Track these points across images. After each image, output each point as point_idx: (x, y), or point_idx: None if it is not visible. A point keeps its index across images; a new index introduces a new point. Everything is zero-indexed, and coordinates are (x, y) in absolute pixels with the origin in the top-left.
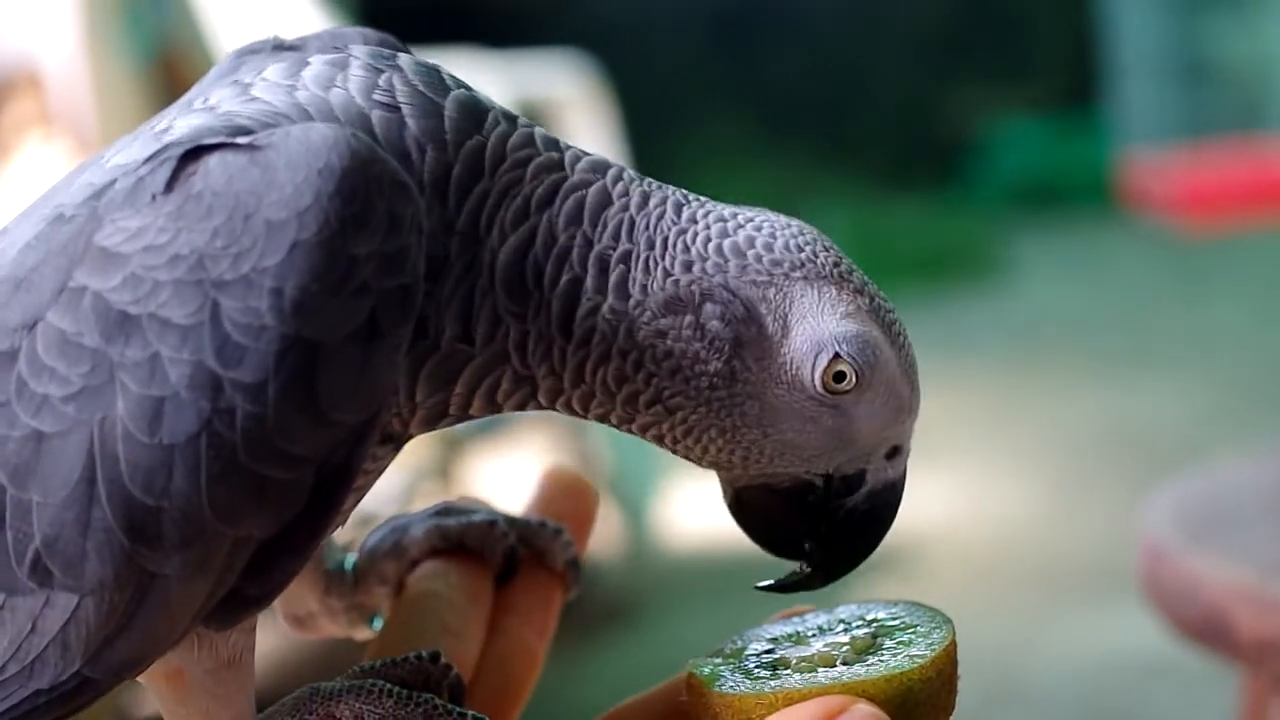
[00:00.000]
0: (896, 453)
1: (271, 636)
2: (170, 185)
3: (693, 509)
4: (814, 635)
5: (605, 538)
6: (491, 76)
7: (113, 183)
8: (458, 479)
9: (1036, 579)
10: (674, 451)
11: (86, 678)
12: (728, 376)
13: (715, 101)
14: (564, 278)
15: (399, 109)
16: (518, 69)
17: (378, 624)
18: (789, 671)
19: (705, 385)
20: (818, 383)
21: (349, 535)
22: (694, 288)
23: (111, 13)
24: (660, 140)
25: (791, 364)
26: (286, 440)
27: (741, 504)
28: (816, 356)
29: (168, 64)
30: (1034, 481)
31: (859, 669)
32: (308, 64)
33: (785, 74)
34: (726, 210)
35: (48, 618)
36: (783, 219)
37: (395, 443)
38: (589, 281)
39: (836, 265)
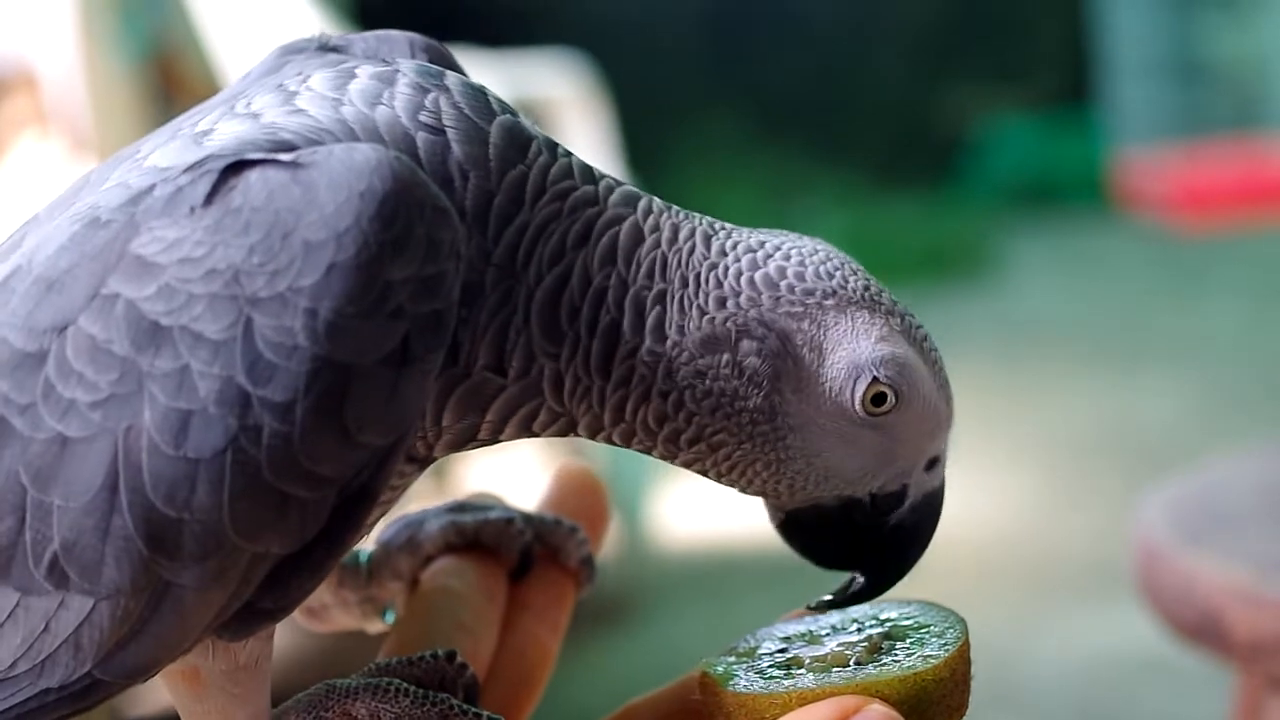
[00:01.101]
0: (935, 463)
1: (288, 634)
2: (210, 198)
3: (687, 509)
4: (827, 634)
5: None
6: (487, 76)
7: (151, 188)
8: (451, 476)
9: (1031, 577)
10: (719, 483)
11: (96, 679)
12: (768, 411)
13: (710, 100)
14: (601, 320)
15: (444, 132)
16: (513, 68)
17: (390, 618)
18: (802, 671)
19: (747, 421)
20: (858, 407)
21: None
22: (729, 324)
23: (106, 12)
24: (656, 139)
25: (831, 391)
26: (312, 460)
27: (791, 527)
28: (855, 382)
29: (162, 63)
30: (1028, 480)
31: (872, 669)
32: (355, 76)
33: (781, 73)
34: (754, 239)
35: (62, 619)
36: (809, 243)
37: (421, 463)
38: (626, 324)
39: (867, 289)
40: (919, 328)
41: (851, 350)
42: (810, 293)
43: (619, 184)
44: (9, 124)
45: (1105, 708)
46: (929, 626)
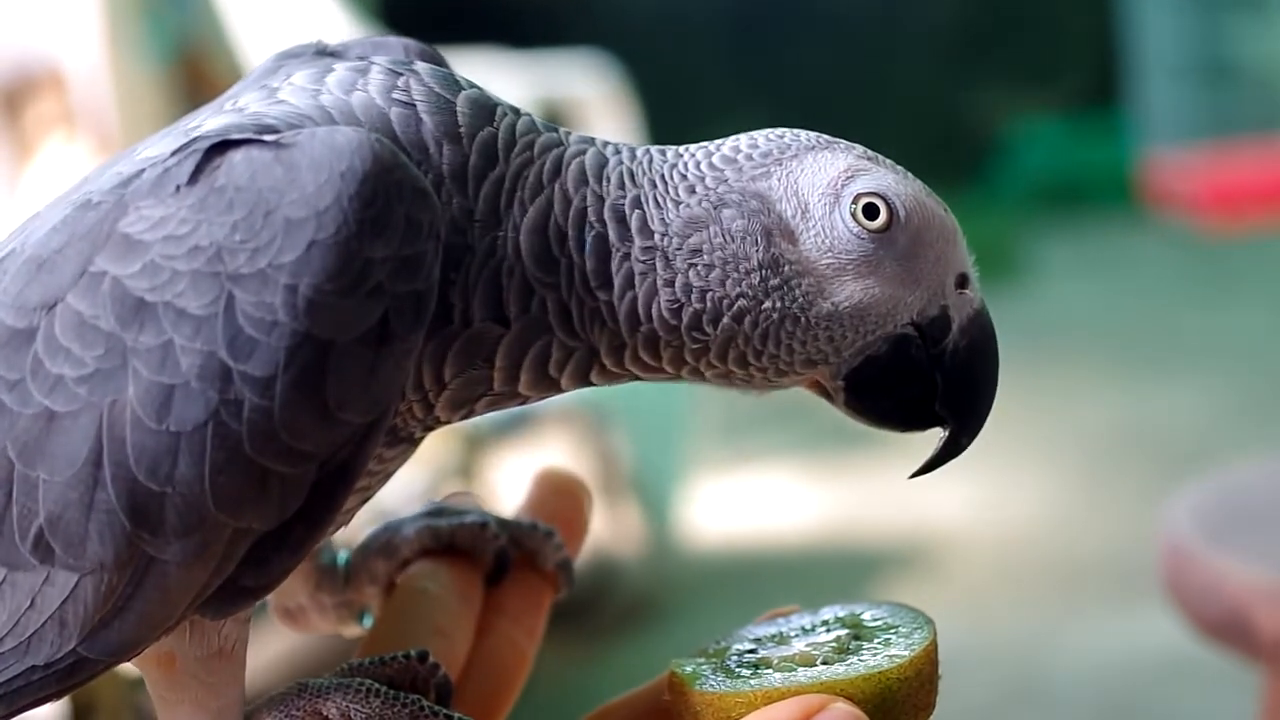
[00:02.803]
0: (965, 281)
1: (275, 640)
2: (195, 177)
3: (714, 507)
4: (796, 635)
5: (627, 536)
6: (514, 76)
7: (140, 172)
8: (480, 477)
9: (1058, 578)
10: (761, 378)
11: (82, 657)
12: (772, 264)
13: (737, 101)
14: (588, 237)
15: (415, 106)
16: (540, 69)
17: (368, 621)
18: (770, 671)
19: (757, 280)
20: (852, 227)
21: (361, 532)
22: (705, 203)
23: (133, 13)
24: (682, 139)
25: (824, 227)
26: (292, 435)
27: (858, 393)
28: (838, 203)
29: (189, 63)
30: (1055, 481)
31: (839, 668)
32: (332, 70)
33: (807, 73)
34: (703, 144)
35: (47, 595)
36: (759, 131)
37: (407, 444)
38: (611, 234)
39: (818, 138)
40: (886, 159)
41: (824, 182)
42: (766, 154)
43: (572, 132)
44: (37, 125)
45: (1131, 707)
46: (897, 628)
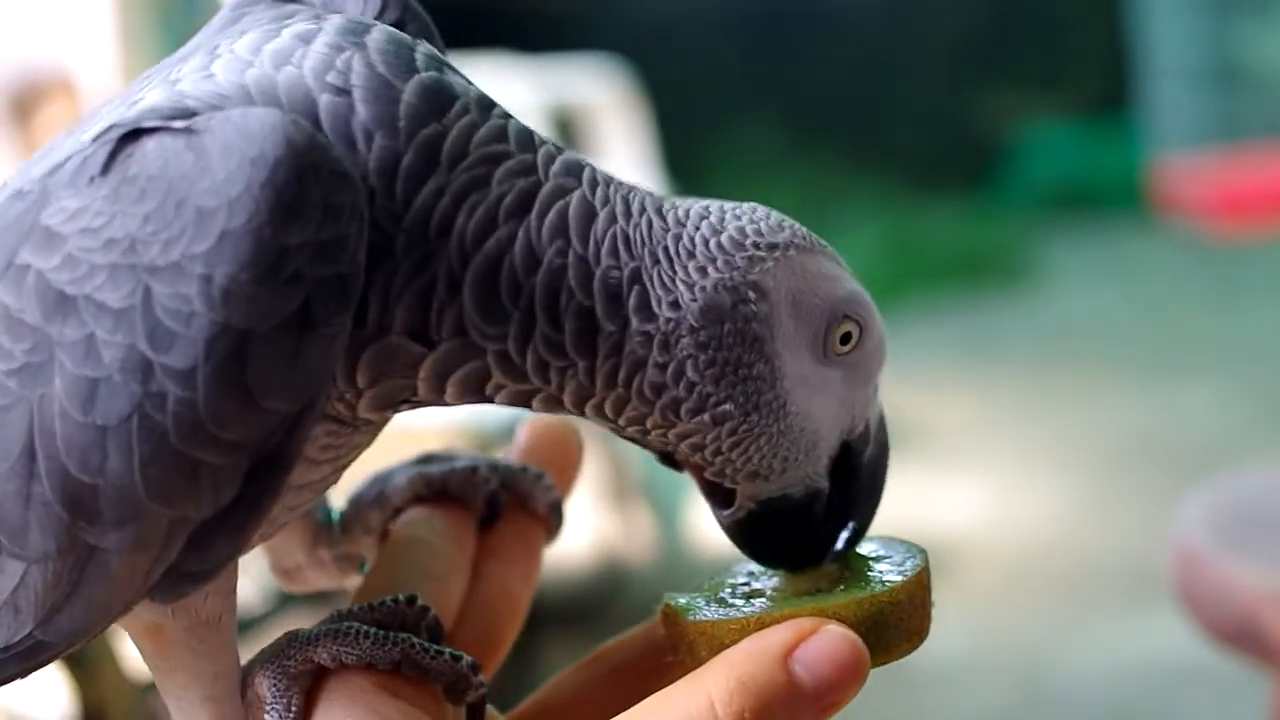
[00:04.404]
0: (875, 388)
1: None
2: (108, 167)
3: None
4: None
5: (637, 541)
6: (525, 82)
7: (66, 160)
8: None
9: (1069, 583)
10: (707, 466)
11: (39, 640)
12: (769, 376)
13: (748, 106)
14: (566, 303)
15: (350, 93)
16: (551, 74)
17: (368, 569)
18: (764, 600)
19: (753, 390)
20: (833, 351)
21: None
22: (721, 291)
23: (144, 18)
24: (693, 145)
25: (814, 342)
26: (217, 426)
27: (755, 523)
28: (830, 325)
29: None
30: (1067, 486)
31: (832, 595)
32: (279, 35)
33: (818, 78)
34: (698, 207)
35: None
36: (743, 205)
37: (355, 426)
38: (600, 310)
39: (809, 235)
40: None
41: (824, 295)
42: (774, 246)
43: (560, 150)
44: (48, 129)
45: (1142, 712)
46: (889, 557)
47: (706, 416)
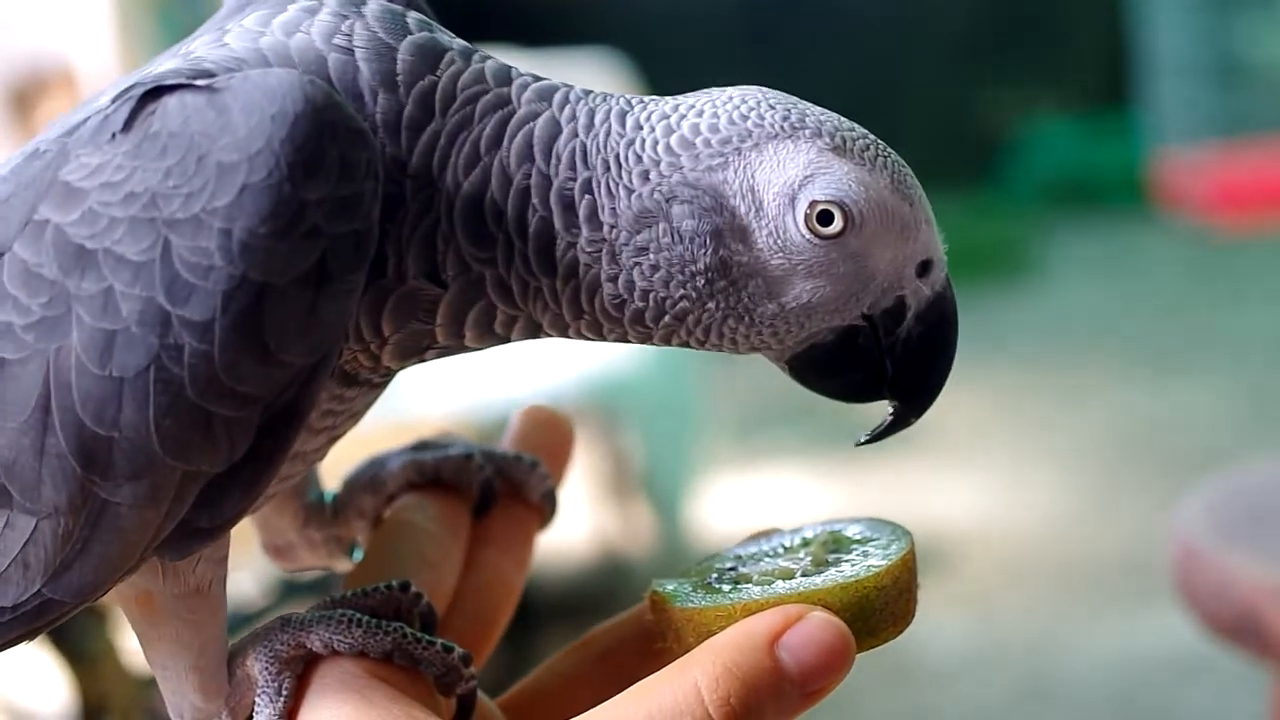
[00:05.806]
0: (928, 267)
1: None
2: (129, 124)
3: (725, 507)
4: (777, 552)
5: (638, 535)
6: None
7: (85, 121)
8: None
9: (1070, 578)
10: (707, 349)
11: (48, 598)
12: (720, 267)
13: None
14: (530, 220)
15: (353, 52)
16: (551, 67)
17: (358, 556)
18: (750, 585)
19: (703, 283)
20: (806, 233)
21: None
22: (656, 195)
23: (144, 12)
24: None
25: (776, 228)
26: (233, 378)
27: (800, 371)
28: (793, 209)
29: None
30: (1067, 481)
31: (818, 580)
32: (285, 10)
33: (819, 72)
34: (669, 104)
35: (8, 538)
36: (730, 92)
37: (364, 385)
38: (557, 220)
39: (786, 119)
40: (859, 138)
41: (780, 182)
42: (726, 141)
43: (536, 79)
44: (48, 122)
45: (1143, 706)
46: (875, 539)
47: (668, 318)
